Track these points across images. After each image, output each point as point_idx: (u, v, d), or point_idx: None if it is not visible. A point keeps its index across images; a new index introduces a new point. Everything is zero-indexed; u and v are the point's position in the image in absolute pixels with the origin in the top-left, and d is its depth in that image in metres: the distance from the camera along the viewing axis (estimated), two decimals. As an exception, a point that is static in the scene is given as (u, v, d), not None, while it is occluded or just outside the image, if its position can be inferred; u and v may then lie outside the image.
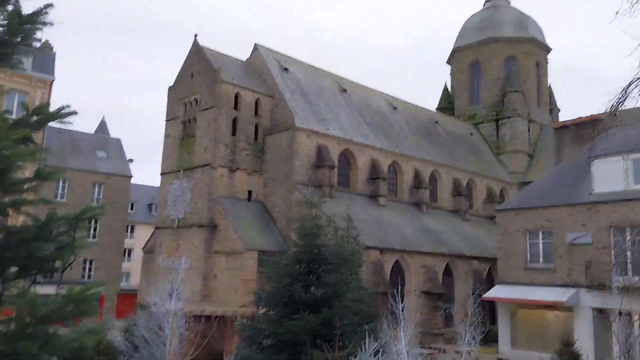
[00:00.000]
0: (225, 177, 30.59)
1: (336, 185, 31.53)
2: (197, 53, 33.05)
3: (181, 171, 31.69)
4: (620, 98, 9.15)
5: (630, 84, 8.97)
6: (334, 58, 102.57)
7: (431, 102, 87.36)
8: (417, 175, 36.42)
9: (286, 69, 34.50)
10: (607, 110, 9.43)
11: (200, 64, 32.59)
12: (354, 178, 33.33)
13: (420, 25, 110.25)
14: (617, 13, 9.04)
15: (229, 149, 30.90)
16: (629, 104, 9.23)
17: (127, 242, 54.32)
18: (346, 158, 33.35)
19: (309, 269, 17.70)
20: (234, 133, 31.33)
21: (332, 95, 35.78)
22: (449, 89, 52.24)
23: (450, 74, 53.18)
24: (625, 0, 8.80)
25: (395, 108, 40.49)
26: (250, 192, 31.47)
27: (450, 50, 52.31)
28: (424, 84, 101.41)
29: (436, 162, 38.18)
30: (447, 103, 51.08)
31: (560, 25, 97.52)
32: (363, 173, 33.52)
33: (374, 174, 33.54)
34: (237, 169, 31.03)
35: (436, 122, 43.40)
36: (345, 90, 37.20)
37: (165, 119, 34.28)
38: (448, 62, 53.37)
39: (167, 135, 33.99)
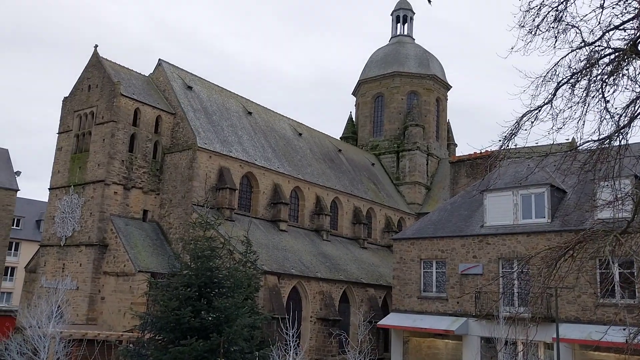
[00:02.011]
0: (119, 194, 28.60)
1: (237, 209, 30.55)
2: (96, 65, 31.00)
3: (72, 187, 29.32)
4: (512, 130, 9.22)
5: (522, 117, 9.06)
6: (241, 84, 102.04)
7: (336, 130, 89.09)
8: (318, 202, 36.24)
9: (190, 87, 33.24)
10: (501, 142, 9.46)
11: (98, 76, 30.55)
12: (256, 202, 32.48)
13: (328, 56, 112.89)
14: (511, 49, 9.19)
15: (125, 166, 28.99)
16: (520, 140, 9.30)
17: (10, 260, 50.17)
18: (248, 181, 32.51)
19: (200, 293, 16.54)
20: (131, 150, 29.52)
21: (237, 117, 34.92)
22: (354, 119, 53.18)
23: (355, 105, 54.29)
24: (519, 39, 8.94)
25: (301, 134, 40.35)
26: (145, 212, 29.65)
27: (356, 82, 53.43)
28: (330, 113, 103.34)
29: (338, 190, 38.29)
30: (352, 133, 51.92)
31: (461, 65, 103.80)
32: (265, 197, 32.76)
33: (276, 199, 32.89)
34: (133, 187, 29.18)
35: (340, 150, 43.77)
36: (250, 113, 36.51)
37: (57, 131, 31.63)
38: (353, 93, 54.49)
39: (58, 149, 31.40)
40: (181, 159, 29.78)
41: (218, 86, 36.34)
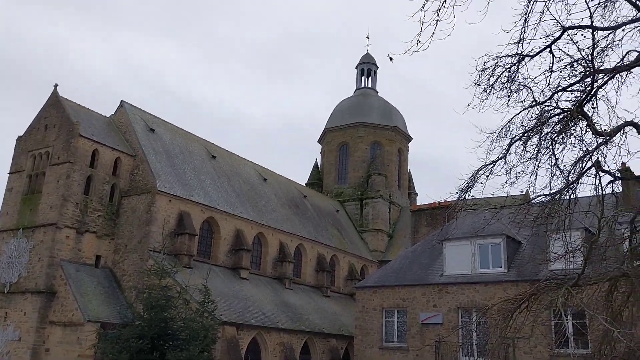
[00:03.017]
0: (71, 239, 27.69)
1: (196, 255, 29.97)
2: (55, 104, 30.58)
3: (20, 230, 28.22)
4: (469, 183, 9.52)
5: (478, 171, 9.38)
6: (206, 128, 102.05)
7: (301, 177, 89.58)
8: (282, 248, 35.96)
9: (153, 130, 33.06)
10: (458, 195, 9.74)
11: (57, 116, 30.09)
12: (216, 248, 31.98)
13: (294, 104, 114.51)
14: (468, 106, 9.60)
15: (79, 209, 28.25)
16: (477, 193, 9.60)
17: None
18: (209, 227, 32.09)
19: (152, 345, 15.97)
20: (86, 192, 28.85)
21: (200, 161, 34.77)
22: (319, 166, 53.67)
23: (321, 152, 54.89)
24: (475, 96, 9.37)
25: (265, 179, 40.37)
26: (98, 258, 28.73)
27: (322, 130, 54.24)
28: (295, 159, 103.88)
29: (302, 236, 38.16)
30: (317, 179, 52.28)
31: (422, 118, 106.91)
32: (226, 243, 32.32)
33: (238, 245, 32.49)
34: (86, 231, 28.34)
35: (305, 196, 43.90)
36: (214, 157, 36.41)
37: (8, 171, 30.74)
38: (319, 141, 55.20)
39: (8, 189, 30.39)
40: (139, 202, 29.23)
41: (182, 129, 36.26)
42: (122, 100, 33.09)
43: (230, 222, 32.78)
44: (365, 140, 50.98)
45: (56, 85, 31.01)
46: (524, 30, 8.53)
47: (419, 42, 8.21)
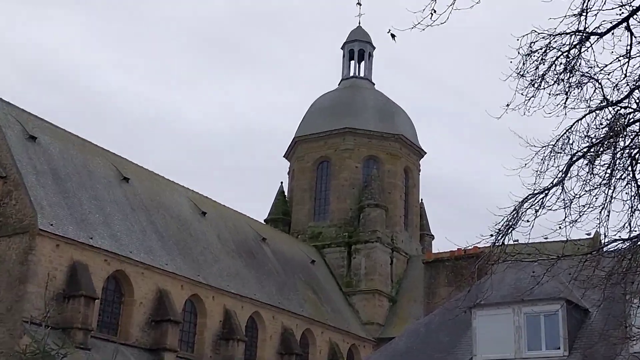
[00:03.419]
0: None
1: (96, 330, 29.50)
2: None
3: None
4: (510, 221, 9.55)
5: (523, 202, 9.42)
6: (119, 138, 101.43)
7: (260, 209, 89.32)
8: (228, 320, 35.60)
9: (34, 138, 32.64)
10: (494, 239, 9.77)
11: None
12: (128, 319, 31.52)
13: (250, 104, 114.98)
14: (507, 106, 9.69)
15: None
16: (522, 235, 9.63)
17: None
18: (118, 286, 31.68)
19: None
20: None
21: (106, 186, 34.45)
22: (286, 194, 53.60)
23: (289, 173, 54.92)
24: (518, 92, 9.47)
25: (205, 213, 40.12)
26: (-55, 333, 27.98)
27: (291, 140, 54.37)
28: (251, 183, 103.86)
29: (259, 301, 37.85)
30: (282, 213, 52.20)
31: (438, 124, 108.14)
32: (143, 311, 31.89)
33: (161, 314, 32.09)
34: None
35: (264, 239, 43.66)
36: (127, 180, 36.09)
37: None
38: (287, 156, 55.27)
39: None
40: (10, 248, 28.75)
41: (79, 137, 35.93)
42: (-14, 93, 32.74)
43: (149, 279, 32.35)
44: (355, 154, 51.24)
45: None
46: (589, -3, 8.68)
47: (434, 11, 8.28)
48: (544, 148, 9.41)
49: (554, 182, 9.32)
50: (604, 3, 8.76)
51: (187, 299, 34.23)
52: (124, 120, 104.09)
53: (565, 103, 9.27)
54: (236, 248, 40.37)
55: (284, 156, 55.76)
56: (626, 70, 9.01)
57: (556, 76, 9.22)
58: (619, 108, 9.19)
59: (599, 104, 9.29)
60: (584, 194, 9.13)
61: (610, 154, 9.01)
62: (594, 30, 8.98)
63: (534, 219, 9.37)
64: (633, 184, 9.04)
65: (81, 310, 28.60)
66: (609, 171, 8.98)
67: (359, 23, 57.83)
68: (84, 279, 29.25)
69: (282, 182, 54.76)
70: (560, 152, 9.38)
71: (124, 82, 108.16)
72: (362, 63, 57.38)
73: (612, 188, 9.00)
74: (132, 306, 31.72)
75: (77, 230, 30.31)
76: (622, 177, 9.05)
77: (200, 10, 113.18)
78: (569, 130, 9.40)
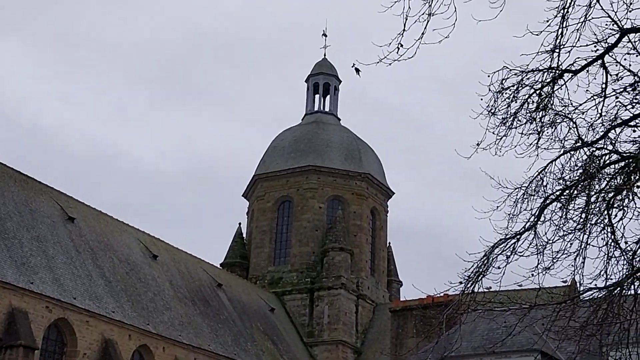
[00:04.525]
0: None
1: (35, 382, 28.81)
2: None
3: None
4: (480, 267, 9.60)
5: (494, 247, 9.48)
6: (65, 175, 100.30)
7: (216, 253, 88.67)
8: (180, 372, 35.11)
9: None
10: (463, 286, 9.80)
11: None
12: (70, 371, 30.92)
13: (206, 142, 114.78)
14: (478, 145, 9.79)
15: None
16: (493, 282, 9.68)
17: None
18: (60, 335, 31.14)
19: None
20: None
21: (49, 226, 34.03)
22: (244, 236, 53.36)
23: (248, 213, 54.70)
24: (489, 131, 9.59)
25: (156, 257, 39.79)
26: None
27: (250, 178, 54.31)
28: (207, 224, 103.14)
29: (214, 352, 37.45)
30: (240, 257, 51.91)
31: (405, 164, 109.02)
32: (87, 362, 31.33)
33: (107, 366, 31.53)
34: None
35: (220, 285, 43.35)
36: (72, 219, 35.70)
37: None
38: (246, 195, 55.13)
39: None
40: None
41: (20, 173, 35.49)
42: None
43: (94, 328, 31.84)
44: (319, 194, 51.31)
45: None
46: (562, 33, 8.81)
47: (401, 46, 8.38)
48: (516, 190, 9.53)
49: (526, 227, 9.41)
50: (578, 39, 8.87)
51: (135, 350, 33.69)
52: (70, 156, 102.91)
53: (538, 143, 9.40)
54: (189, 295, 39.97)
55: (242, 195, 55.59)
56: (601, 110, 9.16)
57: (529, 114, 9.34)
58: (594, 149, 9.33)
59: (574, 144, 9.43)
60: (558, 240, 9.24)
61: (585, 198, 9.12)
62: (568, 68, 9.13)
63: (506, 266, 9.45)
64: (609, 230, 9.13)
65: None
66: (583, 215, 9.08)
67: (325, 55, 58.17)
68: (23, 327, 28.69)
69: (240, 223, 54.52)
70: (533, 195, 9.49)
71: (70, 116, 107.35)
72: (328, 97, 57.61)
73: (587, 233, 9.10)
74: (75, 357, 31.13)
75: (17, 274, 29.79)
76: (598, 222, 9.15)
77: (154, 41, 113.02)
78: (542, 172, 9.53)
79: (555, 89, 9.24)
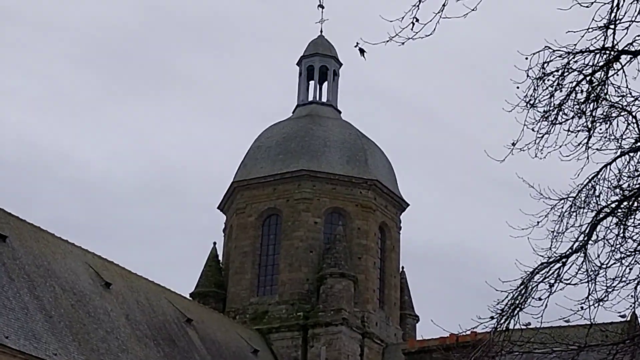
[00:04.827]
0: None
1: None
2: None
3: None
4: (516, 299, 9.62)
5: (534, 274, 9.50)
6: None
7: (185, 280, 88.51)
8: None
9: None
10: (495, 322, 9.82)
11: None
12: None
13: (175, 141, 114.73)
14: (513, 145, 9.81)
15: None
16: (532, 317, 9.71)
17: None
18: (-12, 383, 31.09)
19: None
20: None
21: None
22: (220, 259, 53.38)
23: (224, 230, 54.77)
24: (526, 126, 9.60)
25: (109, 285, 39.80)
26: None
27: (229, 185, 54.31)
28: (174, 245, 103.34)
29: (181, 405, 37.48)
30: (215, 286, 51.95)
31: (421, 169, 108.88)
32: (22, 419, 31.36)
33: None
34: None
35: (189, 320, 43.36)
36: (3, 238, 35.74)
37: None
38: (221, 208, 55.16)
39: None
40: None
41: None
42: None
43: (31, 375, 31.87)
44: (315, 206, 51.39)
45: None
46: (619, 5, 8.84)
47: (416, 20, 8.39)
48: (562, 202, 9.55)
49: (575, 248, 9.43)
50: (638, 12, 8.88)
51: (84, 402, 33.78)
52: (2, 162, 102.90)
53: (588, 142, 9.42)
54: (151, 333, 39.99)
55: (218, 207, 55.61)
56: (667, 101, 9.22)
57: (577, 107, 9.36)
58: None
59: (633, 143, 9.44)
60: (614, 264, 9.26)
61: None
62: (626, 48, 9.14)
63: (549, 296, 9.48)
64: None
65: None
66: (645, 234, 9.14)
67: (321, 31, 58.26)
68: (-59, 374, 28.80)
69: (215, 243, 54.41)
70: (583, 208, 9.51)
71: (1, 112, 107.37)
72: (325, 84, 57.83)
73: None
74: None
75: None
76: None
77: (105, 16, 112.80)
78: (595, 179, 9.54)
79: (610, 75, 9.26)
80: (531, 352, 10.88)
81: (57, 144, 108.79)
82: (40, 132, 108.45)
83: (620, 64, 9.20)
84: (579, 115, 9.40)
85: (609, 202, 9.38)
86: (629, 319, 9.75)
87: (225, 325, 47.24)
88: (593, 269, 9.31)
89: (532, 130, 9.43)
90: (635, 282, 9.17)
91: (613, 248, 9.25)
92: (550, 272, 9.47)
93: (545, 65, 9.25)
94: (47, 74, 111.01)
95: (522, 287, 9.57)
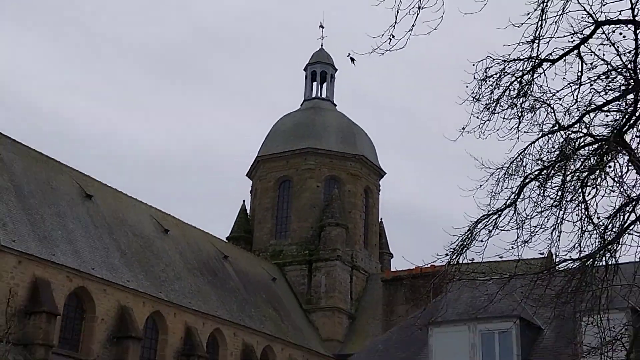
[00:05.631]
0: None
1: (57, 345, 28.97)
2: None
3: None
4: (464, 241, 9.62)
5: (477, 223, 9.50)
6: (81, 161, 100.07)
7: (222, 227, 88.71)
8: (189, 336, 35.23)
9: (-4, 154, 32.13)
10: (449, 258, 9.82)
11: None
12: (89, 335, 31.02)
13: (212, 127, 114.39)
14: (463, 129, 9.79)
15: None
16: (476, 254, 9.69)
17: None
18: (79, 302, 31.21)
19: None
20: None
21: (69, 203, 33.98)
22: (248, 213, 53.41)
23: (251, 191, 54.74)
24: (473, 116, 9.58)
25: (167, 231, 39.78)
26: None
27: (254, 159, 54.22)
28: (214, 202, 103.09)
29: (221, 318, 37.56)
30: (244, 232, 51.97)
31: (396, 146, 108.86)
32: (105, 328, 31.43)
33: (123, 331, 31.65)
34: None
35: (226, 257, 43.43)
36: (90, 197, 35.64)
37: None
38: (249, 175, 55.12)
39: None
40: (-28, 264, 28.16)
41: (42, 154, 35.38)
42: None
43: (111, 296, 31.89)
44: (317, 174, 51.27)
45: None
46: (541, 25, 8.81)
47: (393, 37, 8.35)
48: (498, 170, 9.52)
49: (507, 204, 9.41)
50: (556, 31, 8.91)
51: (148, 316, 33.76)
52: (87, 140, 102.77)
53: (518, 127, 9.40)
54: (198, 266, 40.06)
55: (246, 175, 55.54)
56: (577, 96, 9.17)
57: (510, 100, 9.34)
58: (570, 132, 9.33)
59: (551, 128, 9.42)
60: (536, 215, 9.25)
61: (561, 177, 9.13)
62: (547, 57, 9.13)
63: (488, 239, 9.47)
64: (582, 206, 9.15)
65: (42, 327, 28.07)
66: (559, 193, 9.09)
67: (322, 45, 57.87)
68: (46, 295, 28.74)
69: (244, 201, 54.56)
70: (514, 175, 9.49)
71: (88, 105, 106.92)
72: (324, 85, 57.46)
73: (563, 210, 9.11)
74: (93, 323, 31.21)
75: (40, 246, 29.80)
76: (572, 199, 9.16)
77: (162, 35, 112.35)
78: (522, 154, 9.51)
79: (534, 77, 9.24)
80: (475, 279, 10.84)
81: (129, 130, 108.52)
82: (116, 122, 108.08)
83: (543, 68, 9.19)
84: (511, 107, 9.39)
85: (532, 171, 9.36)
86: (546, 255, 9.72)
87: (252, 261, 47.35)
88: (521, 219, 9.31)
89: (477, 118, 9.40)
90: (551, 229, 9.17)
91: (535, 204, 9.25)
92: (490, 221, 9.45)
93: (487, 70, 9.23)
94: (122, 79, 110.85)
95: (468, 232, 9.56)
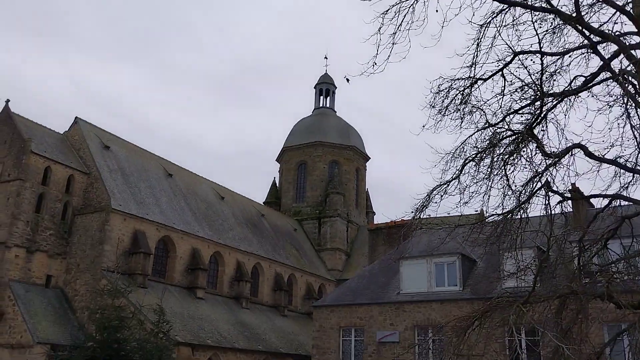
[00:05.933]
0: (20, 258, 26.51)
1: (151, 275, 29.17)
2: (6, 120, 29.45)
3: (-35, 249, 26.74)
4: (424, 202, 9.58)
5: (433, 190, 9.45)
6: (163, 152, 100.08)
7: (260, 196, 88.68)
8: (239, 268, 35.41)
9: (108, 147, 32.20)
10: (413, 214, 9.78)
11: (7, 132, 28.98)
12: (172, 268, 31.22)
13: (252, 128, 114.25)
14: (423, 127, 9.71)
15: (30, 227, 27.11)
16: (432, 212, 9.65)
17: None
18: (165, 246, 31.36)
19: (104, 368, 15.29)
20: (38, 210, 27.79)
21: (157, 179, 34.07)
22: (277, 185, 53.40)
23: (279, 171, 54.70)
24: (430, 118, 9.50)
25: (223, 198, 39.84)
26: (49, 277, 27.58)
27: (281, 148, 54.12)
28: (254, 179, 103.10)
29: (260, 255, 37.74)
30: (275, 198, 51.93)
31: (379, 139, 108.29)
32: (182, 263, 31.61)
33: (194, 264, 31.82)
34: (37, 250, 27.24)
35: (263, 215, 43.52)
36: (171, 175, 35.73)
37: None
38: (277, 159, 55.03)
39: (-46, 206, 28.79)
40: (93, 221, 28.31)
41: (138, 147, 35.47)
42: (76, 117, 32.16)
43: (186, 241, 32.10)
44: (323, 159, 51.12)
45: (8, 100, 29.93)
46: (477, 55, 8.76)
47: (375, 64, 8.30)
48: (447, 154, 9.46)
49: (453, 177, 9.35)
50: (487, 58, 8.91)
51: (212, 254, 34.08)
52: (167, 140, 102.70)
53: (461, 125, 9.32)
54: (244, 221, 40.28)
55: (276, 160, 55.50)
56: (501, 103, 9.13)
57: (455, 107, 9.26)
58: (496, 128, 9.27)
59: (483, 125, 9.35)
60: (473, 185, 9.20)
61: (490, 159, 9.08)
62: (481, 77, 9.08)
63: (440, 201, 9.43)
64: (504, 179, 9.12)
65: (141, 262, 28.41)
66: (489, 170, 9.05)
67: (326, 71, 57.74)
68: (142, 241, 29.02)
69: (274, 178, 54.49)
70: (457, 157, 9.42)
71: (165, 115, 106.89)
72: (328, 98, 57.14)
73: (491, 181, 9.06)
74: (174, 259, 31.52)
75: (137, 209, 30.01)
76: (498, 173, 9.12)
77: (217, 64, 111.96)
78: (463, 143, 9.45)
79: (472, 91, 9.17)
80: (432, 229, 10.74)
81: (198, 130, 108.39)
82: (185, 123, 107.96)
83: (478, 85, 9.11)
84: (456, 111, 9.31)
85: (471, 155, 9.29)
86: (479, 212, 9.67)
87: (280, 218, 47.52)
88: (462, 187, 9.25)
89: (433, 119, 9.32)
90: (483, 194, 9.11)
91: (472, 177, 9.19)
92: (441, 189, 9.40)
93: (440, 86, 9.15)
94: (190, 93, 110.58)
95: (426, 197, 9.50)
